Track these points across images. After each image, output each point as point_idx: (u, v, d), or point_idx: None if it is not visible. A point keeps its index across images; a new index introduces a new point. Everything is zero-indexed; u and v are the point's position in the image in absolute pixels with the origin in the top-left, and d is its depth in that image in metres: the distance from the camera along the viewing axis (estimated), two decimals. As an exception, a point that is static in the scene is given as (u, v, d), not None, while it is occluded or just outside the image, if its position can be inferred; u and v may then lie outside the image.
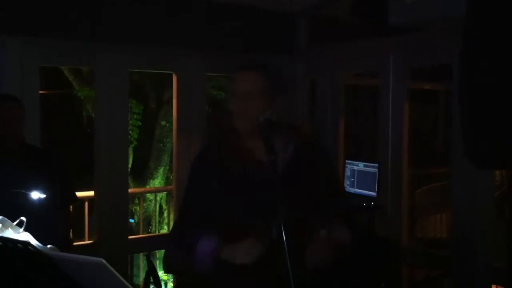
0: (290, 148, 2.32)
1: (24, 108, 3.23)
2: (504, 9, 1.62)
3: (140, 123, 8.82)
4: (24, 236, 1.69)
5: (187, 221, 2.37)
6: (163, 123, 9.01)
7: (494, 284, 4.60)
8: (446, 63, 4.35)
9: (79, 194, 3.68)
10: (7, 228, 1.72)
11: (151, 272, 4.76)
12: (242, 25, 5.32)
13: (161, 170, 9.06)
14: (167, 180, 9.04)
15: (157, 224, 8.56)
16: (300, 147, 2.34)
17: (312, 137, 2.57)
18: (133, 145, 8.66)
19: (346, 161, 4.96)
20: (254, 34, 5.37)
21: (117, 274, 1.35)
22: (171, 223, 6.03)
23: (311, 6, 5.47)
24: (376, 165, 4.65)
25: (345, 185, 4.89)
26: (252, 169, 2.26)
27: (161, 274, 5.53)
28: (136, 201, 8.03)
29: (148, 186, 9.02)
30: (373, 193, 4.62)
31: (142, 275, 6.73)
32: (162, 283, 5.03)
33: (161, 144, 9.06)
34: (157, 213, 8.53)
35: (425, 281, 5.54)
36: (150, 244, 5.53)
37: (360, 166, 4.77)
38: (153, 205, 8.55)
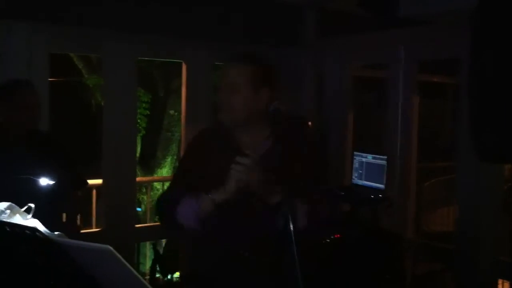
0: (270, 135, 2.29)
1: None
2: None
3: (148, 112, 8.84)
4: (32, 222, 1.70)
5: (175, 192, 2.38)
6: (171, 112, 9.02)
7: (500, 278, 4.60)
8: (455, 57, 4.33)
9: (87, 181, 3.70)
10: (15, 214, 1.73)
11: (158, 260, 4.78)
12: (250, 16, 5.31)
13: (169, 159, 9.07)
14: (175, 169, 9.05)
15: (164, 213, 8.57)
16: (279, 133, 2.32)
17: (312, 128, 2.56)
18: (141, 134, 8.67)
19: (355, 153, 4.95)
20: (262, 26, 5.36)
21: (125, 261, 1.36)
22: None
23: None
24: (385, 157, 4.64)
25: (353, 177, 4.88)
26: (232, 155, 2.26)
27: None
28: (144, 190, 8.05)
29: (156, 175, 9.03)
30: (381, 186, 4.62)
31: (148, 263, 6.75)
32: (168, 272, 5.05)
33: (169, 133, 9.07)
34: (164, 202, 8.54)
35: (429, 274, 5.54)
36: (157, 233, 5.55)
37: (369, 158, 4.76)
38: (160, 194, 8.56)
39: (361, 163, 4.81)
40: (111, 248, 1.35)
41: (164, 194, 2.52)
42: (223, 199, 2.16)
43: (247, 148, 2.23)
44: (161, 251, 5.11)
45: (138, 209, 7.82)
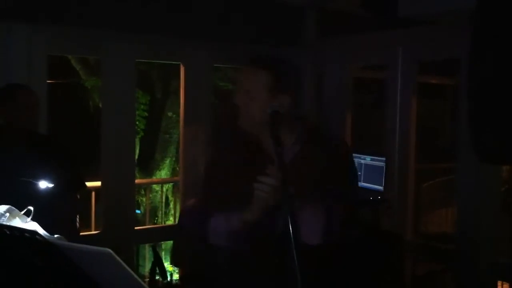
0: (297, 141, 2.31)
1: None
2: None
3: (146, 114, 8.82)
4: (31, 225, 1.69)
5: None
6: (169, 114, 9.01)
7: (499, 280, 4.59)
8: (455, 57, 4.33)
9: (86, 184, 3.69)
10: (14, 217, 1.72)
11: (157, 262, 4.77)
12: (250, 16, 5.31)
13: (167, 161, 9.06)
14: (173, 171, 9.05)
15: (163, 215, 8.58)
16: (307, 140, 2.33)
17: (319, 129, 2.56)
18: (139, 136, 8.66)
19: (353, 154, 4.94)
20: (262, 26, 5.36)
21: (124, 264, 1.35)
22: (177, 214, 6.06)
23: (320, -2, 5.45)
24: (383, 159, 4.62)
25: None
26: (258, 161, 2.25)
27: (167, 265, 5.54)
28: (142, 192, 8.04)
29: (155, 177, 9.03)
30: (380, 187, 4.59)
31: (147, 265, 6.75)
32: (168, 274, 5.04)
33: (168, 135, 9.06)
34: (163, 204, 8.55)
35: (429, 274, 5.54)
36: (156, 235, 5.55)
37: (367, 159, 4.74)
38: (159, 196, 8.57)
39: (360, 164, 4.79)
40: (111, 251, 1.35)
41: (190, 207, 2.49)
42: (252, 219, 2.12)
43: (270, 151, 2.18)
44: (160, 253, 5.10)
45: (137, 211, 7.82)
